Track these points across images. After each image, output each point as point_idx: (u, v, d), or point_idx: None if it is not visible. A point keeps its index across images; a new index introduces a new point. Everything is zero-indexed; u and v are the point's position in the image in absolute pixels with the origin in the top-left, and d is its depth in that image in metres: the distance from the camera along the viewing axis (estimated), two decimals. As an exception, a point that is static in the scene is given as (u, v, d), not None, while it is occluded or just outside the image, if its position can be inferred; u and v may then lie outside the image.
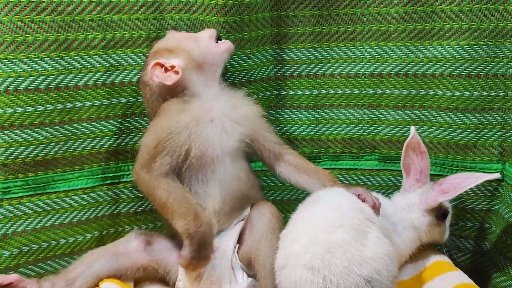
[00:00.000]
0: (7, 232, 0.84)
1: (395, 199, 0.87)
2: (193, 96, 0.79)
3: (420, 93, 0.91)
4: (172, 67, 0.79)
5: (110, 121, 0.89)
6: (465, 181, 0.81)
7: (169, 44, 0.82)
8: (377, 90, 0.93)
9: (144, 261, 0.80)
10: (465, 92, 0.88)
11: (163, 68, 0.79)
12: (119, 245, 0.82)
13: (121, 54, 0.88)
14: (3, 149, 0.82)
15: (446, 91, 0.89)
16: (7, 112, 0.81)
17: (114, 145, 0.90)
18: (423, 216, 0.83)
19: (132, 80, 0.89)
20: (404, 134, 0.92)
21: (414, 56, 0.90)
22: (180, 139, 0.76)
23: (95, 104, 0.88)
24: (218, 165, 0.78)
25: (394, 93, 0.92)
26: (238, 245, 0.79)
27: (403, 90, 0.92)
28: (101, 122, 0.89)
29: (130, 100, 0.90)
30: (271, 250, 0.73)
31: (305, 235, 0.69)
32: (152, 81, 0.80)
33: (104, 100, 0.88)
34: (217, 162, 0.78)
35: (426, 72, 0.90)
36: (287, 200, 0.99)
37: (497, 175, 0.81)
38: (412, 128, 0.83)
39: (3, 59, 0.80)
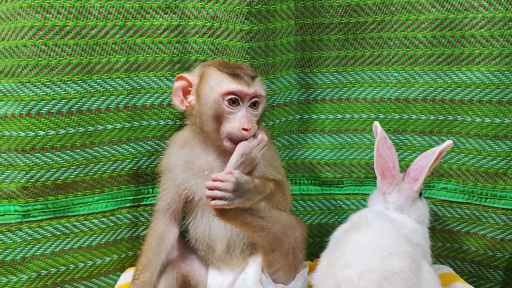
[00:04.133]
0: (26, 256, 0.84)
1: (381, 211, 0.80)
2: None
3: (448, 118, 0.89)
4: None
5: (131, 144, 0.89)
6: (425, 160, 0.78)
7: None
8: (403, 115, 0.91)
9: None
10: (495, 118, 0.86)
11: None
12: None
13: (144, 78, 0.88)
14: (24, 172, 0.82)
15: (476, 117, 0.87)
16: (29, 135, 0.81)
17: (134, 168, 0.90)
18: (416, 210, 0.80)
19: (154, 103, 0.89)
20: (431, 161, 0.90)
21: (442, 81, 0.88)
22: None
23: (117, 127, 0.87)
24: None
25: (421, 118, 0.90)
26: None
27: (430, 116, 0.90)
28: (122, 145, 0.88)
29: (151, 123, 0.89)
30: None
31: (359, 262, 0.68)
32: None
33: (125, 123, 0.88)
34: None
35: (455, 98, 0.88)
36: (324, 224, 0.98)
37: (449, 142, 0.77)
38: (376, 123, 0.79)
39: (26, 82, 0.80)
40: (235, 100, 0.75)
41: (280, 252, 0.77)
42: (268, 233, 0.74)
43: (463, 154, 0.89)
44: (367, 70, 0.92)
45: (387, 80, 0.91)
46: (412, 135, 0.92)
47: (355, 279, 0.66)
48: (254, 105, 0.77)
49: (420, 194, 0.82)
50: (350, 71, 0.93)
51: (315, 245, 0.98)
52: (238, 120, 0.74)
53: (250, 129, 0.74)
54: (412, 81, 0.90)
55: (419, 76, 0.89)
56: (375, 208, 0.81)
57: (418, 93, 0.90)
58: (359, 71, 0.92)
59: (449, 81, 0.88)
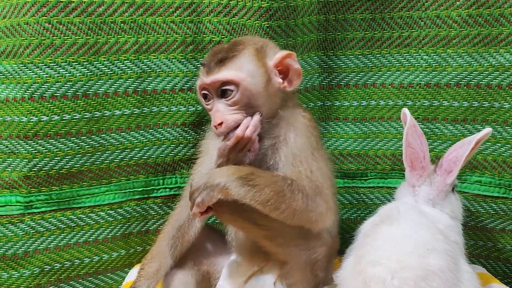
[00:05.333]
0: (28, 250, 0.82)
1: (413, 204, 0.76)
2: None
3: (484, 105, 0.85)
4: None
5: (141, 131, 0.86)
6: (460, 150, 0.74)
7: None
8: (434, 101, 0.87)
9: None
10: (537, 105, 0.82)
11: None
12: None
13: (154, 60, 0.85)
14: (26, 160, 0.80)
15: (514, 104, 0.83)
16: (32, 120, 0.79)
17: (144, 157, 0.87)
18: (449, 204, 0.76)
19: (165, 87, 0.86)
20: (464, 151, 0.85)
21: (477, 64, 0.84)
22: None
23: (125, 113, 0.85)
24: None
25: (453, 105, 0.87)
26: None
27: (463, 102, 0.86)
28: (131, 132, 0.86)
29: (163, 110, 0.87)
30: None
31: (391, 258, 0.63)
32: None
33: (134, 109, 0.85)
34: None
35: (491, 82, 0.84)
36: (346, 219, 0.95)
37: (487, 130, 0.73)
38: (405, 110, 0.75)
39: (28, 63, 0.78)
40: (205, 95, 0.68)
41: (294, 266, 0.71)
42: (272, 241, 0.68)
43: (499, 144, 0.85)
44: (395, 53, 0.88)
45: (416, 64, 0.88)
46: (443, 123, 0.87)
47: (387, 277, 0.61)
48: (225, 94, 0.67)
49: (453, 188, 0.78)
50: (377, 53, 0.89)
51: (336, 242, 0.94)
52: (212, 117, 0.68)
53: (218, 124, 0.66)
54: (444, 64, 0.86)
55: (452, 59, 0.85)
56: (406, 200, 0.76)
57: (450, 78, 0.86)
58: (386, 53, 0.89)
59: (485, 64, 0.84)
